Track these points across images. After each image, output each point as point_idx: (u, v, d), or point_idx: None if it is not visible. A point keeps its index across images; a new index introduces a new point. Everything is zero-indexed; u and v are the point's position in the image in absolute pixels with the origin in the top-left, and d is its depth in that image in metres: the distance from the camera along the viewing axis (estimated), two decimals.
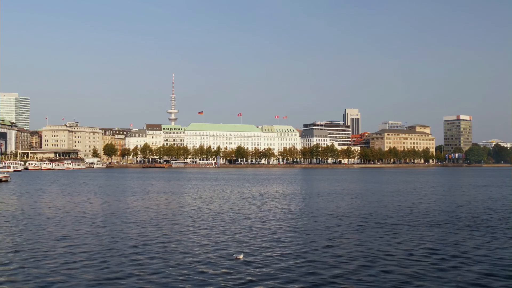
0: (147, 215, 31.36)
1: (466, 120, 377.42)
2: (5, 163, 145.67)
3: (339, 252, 19.33)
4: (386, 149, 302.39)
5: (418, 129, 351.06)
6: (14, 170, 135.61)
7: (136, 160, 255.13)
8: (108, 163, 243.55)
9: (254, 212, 33.26)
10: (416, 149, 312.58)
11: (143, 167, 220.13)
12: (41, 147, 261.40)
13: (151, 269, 16.57)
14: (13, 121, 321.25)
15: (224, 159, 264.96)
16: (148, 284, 14.79)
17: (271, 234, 23.81)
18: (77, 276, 15.60)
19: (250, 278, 15.44)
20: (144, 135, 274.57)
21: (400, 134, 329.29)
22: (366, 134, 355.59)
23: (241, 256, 18.04)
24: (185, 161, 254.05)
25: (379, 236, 23.06)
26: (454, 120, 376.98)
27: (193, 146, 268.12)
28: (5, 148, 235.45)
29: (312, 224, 27.20)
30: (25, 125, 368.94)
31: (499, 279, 15.43)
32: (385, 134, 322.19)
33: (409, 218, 29.80)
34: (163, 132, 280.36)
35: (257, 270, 16.43)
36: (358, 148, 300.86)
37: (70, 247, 20.11)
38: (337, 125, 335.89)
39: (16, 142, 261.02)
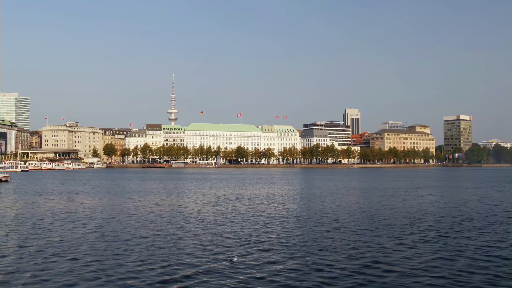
0: (144, 216, 31.47)
1: (466, 120, 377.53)
2: (4, 163, 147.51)
3: (333, 253, 19.50)
4: (386, 149, 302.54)
5: (418, 129, 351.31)
6: (22, 170, 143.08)
7: (136, 160, 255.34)
8: (108, 163, 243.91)
9: (251, 214, 33.38)
10: (416, 149, 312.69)
11: (143, 167, 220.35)
12: (41, 147, 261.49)
13: (146, 269, 16.72)
14: (13, 121, 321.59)
15: (224, 159, 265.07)
16: (141, 284, 14.96)
17: (267, 235, 23.93)
18: (75, 276, 15.79)
19: (246, 279, 15.61)
20: (144, 135, 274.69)
21: (400, 134, 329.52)
22: (366, 134, 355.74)
23: (235, 258, 18.18)
24: (185, 161, 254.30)
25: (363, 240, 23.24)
26: (454, 120, 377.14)
27: (193, 146, 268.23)
28: (5, 148, 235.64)
29: (308, 226, 27.34)
30: (25, 125, 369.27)
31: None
32: (385, 134, 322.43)
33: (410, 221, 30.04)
34: (163, 132, 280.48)
35: (252, 272, 16.59)
36: (358, 148, 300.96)
37: (67, 248, 20.32)
38: (337, 125, 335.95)
39: (16, 142, 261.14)
